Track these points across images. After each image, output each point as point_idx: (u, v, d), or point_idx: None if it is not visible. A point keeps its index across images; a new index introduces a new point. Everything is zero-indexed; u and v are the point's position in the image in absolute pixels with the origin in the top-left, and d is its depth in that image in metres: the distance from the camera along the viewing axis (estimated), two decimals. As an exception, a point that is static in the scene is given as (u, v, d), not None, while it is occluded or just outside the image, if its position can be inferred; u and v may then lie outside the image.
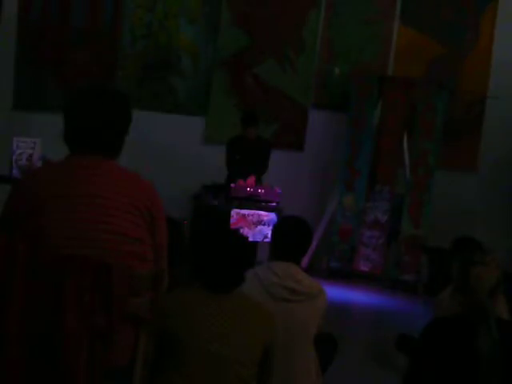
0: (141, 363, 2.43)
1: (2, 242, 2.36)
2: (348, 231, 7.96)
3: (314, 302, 3.27)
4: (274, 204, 6.71)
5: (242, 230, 6.27)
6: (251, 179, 6.73)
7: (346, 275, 7.84)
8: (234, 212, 6.53)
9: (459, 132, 8.41)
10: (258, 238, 6.57)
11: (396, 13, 8.36)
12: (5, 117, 7.21)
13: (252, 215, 6.59)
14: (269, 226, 6.48)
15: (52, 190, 2.41)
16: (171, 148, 7.78)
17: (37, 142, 5.49)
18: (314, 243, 7.40)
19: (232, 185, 6.64)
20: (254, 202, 6.62)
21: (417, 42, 8.36)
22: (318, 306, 3.29)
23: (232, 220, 6.49)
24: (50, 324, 2.28)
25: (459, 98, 8.33)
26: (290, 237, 3.39)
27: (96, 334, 2.30)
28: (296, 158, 8.24)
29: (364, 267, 7.88)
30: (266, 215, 6.62)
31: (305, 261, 7.15)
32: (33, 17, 7.37)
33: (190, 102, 7.94)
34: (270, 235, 6.30)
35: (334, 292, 6.70)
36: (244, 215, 6.56)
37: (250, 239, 6.28)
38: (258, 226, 6.59)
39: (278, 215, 6.52)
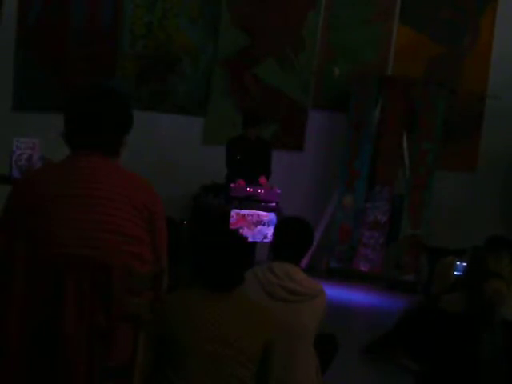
0: (140, 363, 2.43)
1: (1, 242, 2.37)
2: (348, 231, 7.96)
3: (314, 303, 3.27)
4: (274, 204, 6.70)
5: (241, 230, 6.27)
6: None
7: (346, 275, 7.83)
8: (234, 212, 6.53)
9: (459, 132, 8.41)
10: (258, 238, 6.57)
11: (395, 13, 8.35)
12: (5, 117, 7.21)
13: (252, 215, 6.59)
14: (268, 226, 6.48)
15: (52, 190, 2.41)
16: (171, 148, 7.78)
17: (36, 142, 5.48)
18: (314, 243, 7.39)
19: (232, 185, 6.64)
20: (253, 202, 6.61)
21: (416, 41, 8.36)
22: (318, 307, 3.28)
23: (232, 220, 6.49)
24: (49, 324, 2.28)
25: (459, 97, 8.33)
26: (292, 237, 3.39)
27: (95, 333, 2.30)
28: (296, 158, 8.24)
29: (364, 267, 7.87)
30: (266, 215, 6.62)
31: (304, 261, 7.14)
32: (32, 17, 7.37)
33: (189, 102, 7.94)
34: (269, 235, 6.36)
35: (334, 292, 6.69)
36: (244, 215, 6.56)
37: (250, 239, 6.28)
38: (257, 226, 6.59)
39: (278, 215, 6.52)
